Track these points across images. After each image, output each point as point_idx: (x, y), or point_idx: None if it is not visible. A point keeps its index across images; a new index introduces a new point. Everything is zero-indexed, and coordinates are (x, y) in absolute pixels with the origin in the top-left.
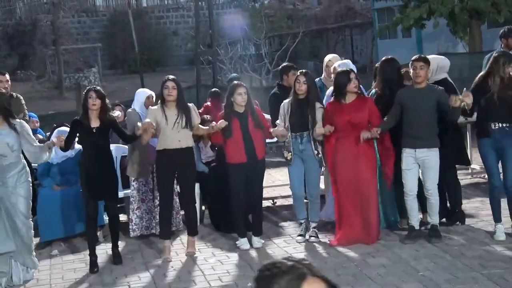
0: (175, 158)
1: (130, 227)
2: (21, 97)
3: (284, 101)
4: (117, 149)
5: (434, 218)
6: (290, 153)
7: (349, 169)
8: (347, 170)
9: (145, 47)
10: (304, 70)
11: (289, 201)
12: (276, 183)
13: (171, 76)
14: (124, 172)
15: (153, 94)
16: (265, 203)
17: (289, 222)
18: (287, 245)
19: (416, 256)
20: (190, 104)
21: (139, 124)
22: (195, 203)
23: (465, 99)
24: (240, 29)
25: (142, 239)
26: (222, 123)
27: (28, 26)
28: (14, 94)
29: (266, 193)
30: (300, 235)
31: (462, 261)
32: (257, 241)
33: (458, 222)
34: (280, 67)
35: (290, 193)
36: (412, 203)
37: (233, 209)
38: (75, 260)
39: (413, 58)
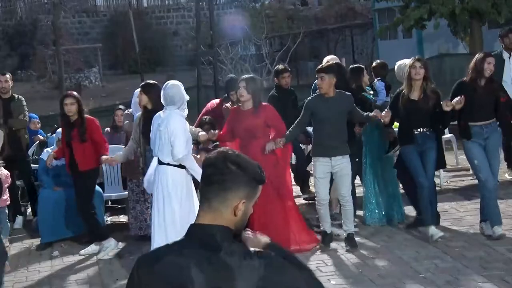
0: None
1: (129, 226)
2: (23, 99)
3: (138, 114)
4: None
5: (349, 226)
6: (142, 167)
7: None
8: None
9: (146, 47)
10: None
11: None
12: None
13: None
14: (122, 172)
15: None
16: None
17: None
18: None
19: (417, 257)
20: None
21: None
22: None
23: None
24: (240, 30)
25: (142, 239)
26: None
27: (28, 26)
28: (15, 95)
29: None
30: None
31: (462, 262)
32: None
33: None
34: (274, 69)
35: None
36: (325, 211)
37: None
38: (76, 261)
39: (317, 68)
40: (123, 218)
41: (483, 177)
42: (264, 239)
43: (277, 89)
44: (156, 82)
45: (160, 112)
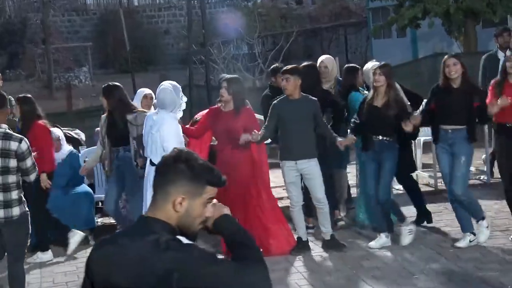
0: None
1: (119, 226)
2: (12, 99)
3: (103, 116)
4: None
5: (328, 227)
6: (107, 169)
7: (230, 181)
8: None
9: (137, 46)
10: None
11: (283, 203)
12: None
13: None
14: None
15: (152, 93)
16: None
17: None
18: None
19: (411, 259)
20: None
21: None
22: None
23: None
24: (233, 29)
25: None
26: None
27: (17, 25)
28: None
29: None
30: None
31: (457, 264)
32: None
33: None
34: (270, 68)
35: (284, 194)
36: (298, 215)
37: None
38: (66, 263)
39: (282, 69)
40: (113, 219)
41: (444, 182)
42: (224, 209)
43: (271, 88)
44: (117, 85)
45: (152, 114)
